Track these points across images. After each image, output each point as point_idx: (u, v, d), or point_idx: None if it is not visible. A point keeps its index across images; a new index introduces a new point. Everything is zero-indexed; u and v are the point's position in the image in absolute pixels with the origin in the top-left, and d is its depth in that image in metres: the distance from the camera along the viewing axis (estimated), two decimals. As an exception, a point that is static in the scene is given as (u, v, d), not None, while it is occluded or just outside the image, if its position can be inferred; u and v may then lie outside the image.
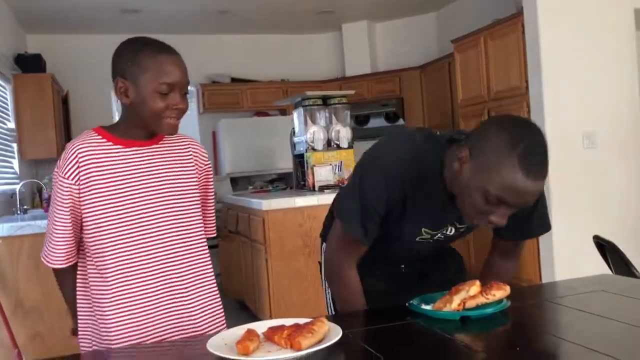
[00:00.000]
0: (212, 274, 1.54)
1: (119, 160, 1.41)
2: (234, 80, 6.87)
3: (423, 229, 1.48)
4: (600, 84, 3.98)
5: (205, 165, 1.58)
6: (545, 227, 1.52)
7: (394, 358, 1.08)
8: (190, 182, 1.51)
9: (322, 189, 3.99)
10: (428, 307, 1.37)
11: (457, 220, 1.48)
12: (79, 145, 1.39)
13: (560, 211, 3.88)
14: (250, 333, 1.18)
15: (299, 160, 4.41)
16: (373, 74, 6.89)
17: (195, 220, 1.50)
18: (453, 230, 1.52)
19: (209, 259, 1.52)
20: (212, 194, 1.63)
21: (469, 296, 1.34)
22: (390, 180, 1.38)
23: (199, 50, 6.82)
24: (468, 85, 4.85)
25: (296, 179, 4.62)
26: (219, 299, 1.55)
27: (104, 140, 1.42)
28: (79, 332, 1.48)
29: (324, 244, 1.73)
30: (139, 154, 1.44)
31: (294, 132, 4.45)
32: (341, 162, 4.18)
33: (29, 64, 5.34)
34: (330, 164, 4.15)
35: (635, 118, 4.07)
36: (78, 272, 1.48)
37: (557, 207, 3.87)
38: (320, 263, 1.79)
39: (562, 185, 3.89)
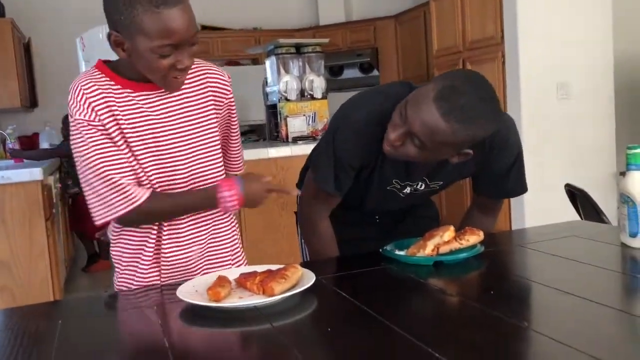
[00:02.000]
0: (231, 218, 1.47)
1: (127, 107, 1.26)
2: (204, 27, 6.65)
3: (393, 180, 1.48)
4: (574, 35, 3.96)
5: (227, 97, 1.39)
6: (522, 188, 1.53)
7: (367, 303, 1.07)
8: (206, 123, 1.35)
9: (296, 140, 3.94)
10: (402, 253, 1.36)
11: (426, 176, 1.48)
12: (83, 83, 1.24)
13: (533, 161, 3.91)
14: (222, 279, 1.16)
15: (272, 111, 4.33)
16: (347, 22, 6.75)
17: (214, 165, 1.37)
18: (423, 185, 1.51)
19: None
20: (236, 126, 1.47)
21: (442, 242, 1.33)
22: (362, 137, 1.37)
23: (168, -4, 6.58)
24: (443, 35, 4.78)
25: (269, 130, 4.55)
26: (237, 239, 1.49)
27: (112, 82, 1.26)
28: (118, 274, 1.40)
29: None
30: (149, 98, 1.28)
31: (267, 82, 4.36)
32: (315, 113, 4.12)
33: (-14, 9, 5.08)
34: (304, 115, 4.09)
35: (608, 68, 4.08)
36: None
37: (530, 157, 3.89)
38: (296, 213, 1.77)
39: (535, 136, 3.91)
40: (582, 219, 2.32)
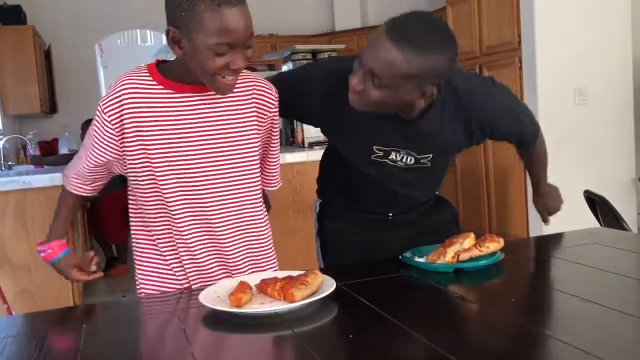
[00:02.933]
0: (266, 228, 1.48)
1: (166, 107, 1.28)
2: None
3: (374, 147, 1.45)
4: (592, 40, 3.94)
5: (271, 111, 1.39)
6: (536, 130, 1.64)
7: (388, 310, 1.08)
8: (246, 134, 1.34)
9: (312, 145, 3.96)
10: (422, 260, 1.37)
11: (411, 148, 1.45)
12: (126, 82, 1.27)
13: (551, 166, 3.88)
14: (243, 285, 1.17)
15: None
16: (363, 28, 6.77)
17: (250, 176, 1.37)
18: (413, 160, 1.47)
19: (262, 216, 1.44)
20: (276, 142, 1.46)
21: (462, 249, 1.33)
22: (327, 80, 1.41)
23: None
24: (460, 40, 4.70)
25: (285, 136, 4.57)
26: (273, 256, 1.53)
27: (154, 82, 1.28)
28: (139, 276, 1.43)
29: (318, 201, 1.74)
30: (190, 102, 1.29)
31: (283, 88, 4.38)
32: (331, 118, 4.14)
33: (9, 16, 5.17)
34: (320, 120, 4.10)
35: (627, 73, 4.05)
36: (136, 214, 1.41)
37: (549, 162, 3.87)
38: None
39: (553, 141, 3.86)
40: (601, 225, 2.30)
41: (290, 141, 4.41)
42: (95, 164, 1.34)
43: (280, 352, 1.01)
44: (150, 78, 1.29)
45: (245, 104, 1.35)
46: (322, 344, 0.98)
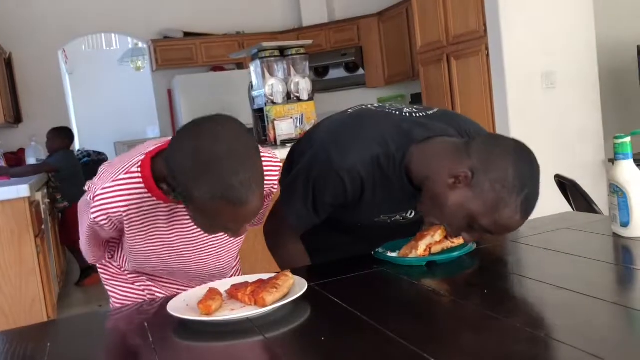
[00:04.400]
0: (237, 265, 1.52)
1: (160, 215, 1.23)
2: (186, 34, 6.63)
3: (381, 215, 1.42)
4: (556, 24, 3.97)
5: (275, 187, 1.35)
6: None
7: (361, 308, 1.06)
8: None
9: (284, 143, 3.93)
10: (394, 255, 1.35)
11: (412, 203, 1.39)
12: (116, 198, 1.17)
13: (521, 153, 3.92)
14: (212, 292, 1.14)
15: (259, 114, 4.31)
16: (330, 23, 6.74)
17: (238, 246, 1.44)
18: (413, 213, 1.44)
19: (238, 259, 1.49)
20: (271, 197, 1.41)
21: (434, 241, 1.32)
22: (347, 182, 1.28)
23: (149, 2, 6.53)
24: (426, 31, 4.78)
25: (257, 134, 4.53)
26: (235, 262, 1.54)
27: (151, 197, 1.20)
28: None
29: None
30: (182, 213, 1.26)
31: (252, 86, 4.33)
32: (302, 115, 4.10)
33: (-35, 25, 5.01)
34: (291, 117, 4.07)
35: (592, 56, 4.10)
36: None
37: (518, 149, 3.91)
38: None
39: (523, 127, 3.91)
40: (573, 209, 2.32)
41: (262, 140, 4.38)
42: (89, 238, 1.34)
43: (251, 359, 0.98)
44: (146, 193, 1.19)
45: None
46: (294, 349, 0.96)
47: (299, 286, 1.14)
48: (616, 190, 1.30)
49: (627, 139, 1.29)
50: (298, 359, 0.90)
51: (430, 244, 1.31)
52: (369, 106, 1.43)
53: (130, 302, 1.39)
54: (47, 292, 3.17)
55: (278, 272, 1.17)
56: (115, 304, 1.44)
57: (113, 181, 1.18)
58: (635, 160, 1.31)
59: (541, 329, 0.90)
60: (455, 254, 1.30)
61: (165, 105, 6.89)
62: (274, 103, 4.02)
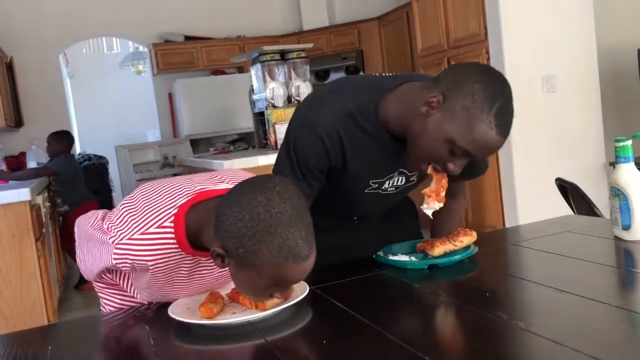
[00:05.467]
0: None
1: (187, 268, 1.17)
2: (187, 38, 6.64)
3: (370, 180, 1.40)
4: (557, 28, 3.98)
5: None
6: (486, 165, 1.53)
7: (362, 311, 1.06)
8: None
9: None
10: (395, 258, 1.35)
11: (404, 166, 1.40)
12: (142, 256, 1.11)
13: (523, 156, 3.92)
14: (213, 295, 1.14)
15: (260, 118, 4.32)
16: (331, 26, 6.75)
17: None
18: (403, 180, 1.43)
19: None
20: None
21: (455, 248, 1.32)
22: (324, 138, 1.29)
23: (149, 6, 6.55)
24: (427, 35, 4.78)
25: (258, 138, 4.53)
26: None
27: (181, 252, 1.13)
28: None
29: None
30: (205, 266, 1.20)
31: (253, 90, 4.34)
32: (302, 118, 4.11)
33: (-33, 29, 5.02)
34: (292, 121, 4.08)
35: (592, 60, 4.10)
36: None
37: (519, 152, 3.91)
38: None
39: (524, 130, 3.91)
40: (574, 212, 2.32)
41: (263, 143, 4.38)
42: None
43: (252, 363, 0.98)
44: (177, 248, 1.12)
45: None
46: (295, 352, 0.96)
47: (300, 289, 1.13)
48: (617, 194, 1.30)
49: (628, 142, 1.29)
50: (299, 363, 0.89)
51: (447, 249, 1.31)
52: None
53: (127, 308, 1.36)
54: (48, 296, 3.17)
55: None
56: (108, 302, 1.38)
57: (142, 234, 1.10)
58: (636, 164, 1.30)
59: (543, 332, 0.90)
60: (457, 257, 1.30)
61: (166, 109, 6.90)
62: (274, 106, 4.02)
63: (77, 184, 4.53)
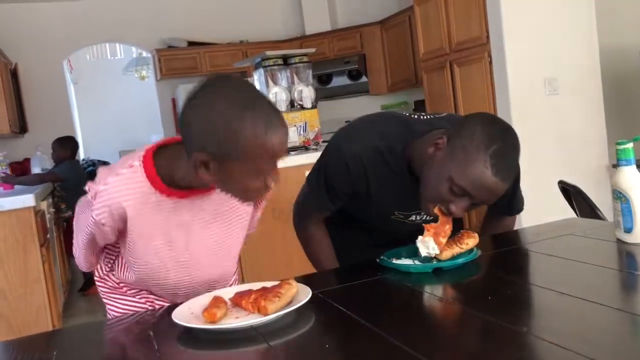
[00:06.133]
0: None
1: (165, 213, 1.21)
2: (190, 43, 6.66)
3: (395, 211, 1.49)
4: (559, 30, 3.98)
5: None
6: (521, 206, 1.62)
7: (365, 315, 1.06)
8: (245, 219, 1.37)
9: (288, 151, 3.93)
10: (399, 262, 1.35)
11: None
12: (118, 193, 1.17)
13: (525, 158, 3.91)
14: (217, 300, 1.14)
15: (263, 122, 4.32)
16: (333, 31, 6.77)
17: (237, 250, 1.43)
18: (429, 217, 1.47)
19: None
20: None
21: (462, 250, 1.33)
22: (352, 172, 1.40)
23: (152, 12, 6.57)
24: (429, 39, 4.79)
25: (261, 142, 4.54)
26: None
27: (155, 191, 1.18)
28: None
29: None
30: (193, 203, 1.24)
31: (256, 94, 4.35)
32: (306, 123, 4.12)
33: (-29, 37, 5.06)
34: (295, 125, 4.08)
35: (595, 62, 4.10)
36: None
37: (522, 155, 3.90)
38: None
39: (526, 133, 3.90)
40: (577, 215, 2.32)
41: (266, 148, 4.40)
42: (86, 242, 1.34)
43: (256, 367, 0.98)
44: (149, 185, 1.18)
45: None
46: (298, 357, 0.96)
47: (302, 294, 1.14)
48: (619, 196, 1.30)
49: (630, 145, 1.29)
50: (302, 367, 0.90)
51: (454, 253, 1.32)
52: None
53: (131, 313, 1.39)
54: (53, 301, 3.18)
55: (282, 281, 1.18)
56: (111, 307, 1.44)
57: (113, 176, 1.17)
58: (638, 166, 1.31)
59: (545, 335, 0.90)
60: (461, 260, 1.30)
61: (169, 114, 6.92)
62: (277, 111, 4.03)
63: (82, 190, 4.52)
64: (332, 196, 1.48)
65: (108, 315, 1.41)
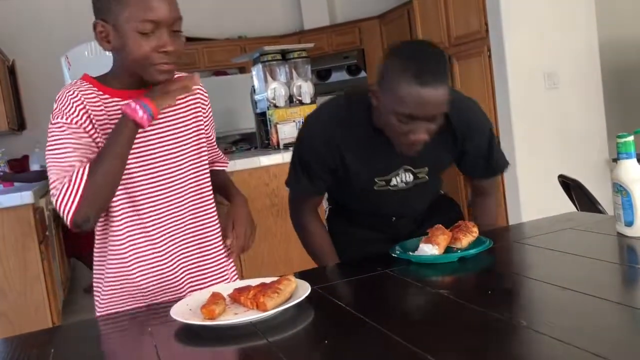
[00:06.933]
0: (217, 223, 1.42)
1: (115, 113, 1.25)
2: (189, 39, 6.61)
3: (375, 178, 1.52)
4: (558, 24, 3.96)
5: (208, 104, 1.43)
6: (505, 161, 1.62)
7: (364, 311, 1.06)
8: (198, 127, 1.37)
9: (287, 146, 3.92)
10: (417, 254, 1.33)
11: (408, 163, 1.51)
12: (80, 90, 1.25)
13: (525, 152, 3.91)
14: (216, 296, 1.14)
15: (262, 118, 4.32)
16: (332, 26, 6.75)
17: (205, 167, 1.39)
18: (411, 175, 1.53)
19: (214, 206, 1.42)
20: (213, 124, 1.49)
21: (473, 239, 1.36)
22: (320, 145, 1.48)
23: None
24: (428, 33, 4.77)
25: (260, 138, 4.54)
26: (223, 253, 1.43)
27: (100, 92, 1.26)
28: (95, 290, 1.38)
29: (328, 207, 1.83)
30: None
31: (255, 90, 4.34)
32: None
33: (-31, 34, 5.04)
34: (294, 121, 4.07)
35: (594, 55, 4.08)
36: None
37: (522, 149, 3.90)
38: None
39: (526, 127, 3.91)
40: (577, 209, 2.31)
41: (265, 144, 4.38)
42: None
43: (254, 363, 0.98)
44: (95, 88, 1.27)
45: (190, 100, 1.38)
46: (297, 352, 0.96)
47: (301, 290, 1.13)
48: (620, 190, 1.30)
49: (630, 138, 1.28)
50: (301, 363, 0.89)
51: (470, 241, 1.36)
52: None
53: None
54: (52, 299, 3.17)
55: (281, 276, 1.17)
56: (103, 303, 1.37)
57: (63, 92, 1.27)
58: (638, 160, 1.30)
59: (545, 329, 0.89)
60: (479, 248, 1.31)
61: (168, 110, 6.90)
62: (276, 107, 4.02)
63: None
64: (312, 176, 1.53)
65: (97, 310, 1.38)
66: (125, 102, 1.25)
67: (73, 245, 4.50)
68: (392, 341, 0.91)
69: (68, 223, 1.20)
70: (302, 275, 1.26)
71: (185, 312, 1.12)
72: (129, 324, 1.24)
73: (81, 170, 1.20)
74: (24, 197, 3.07)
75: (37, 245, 3.07)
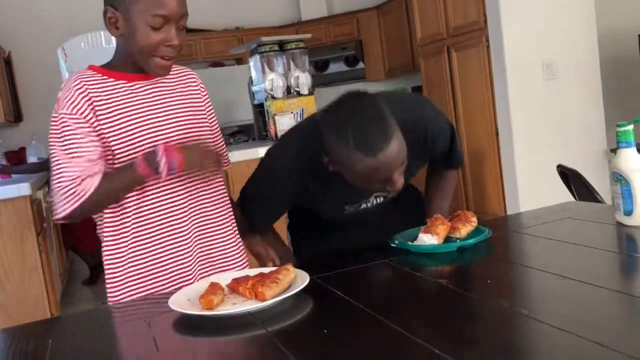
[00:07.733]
0: (230, 210, 1.46)
1: (125, 96, 1.30)
2: (187, 30, 6.58)
3: (345, 206, 1.52)
4: (557, 14, 3.95)
5: (206, 95, 1.47)
6: (461, 160, 1.64)
7: (363, 301, 1.05)
8: (201, 114, 1.41)
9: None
10: (417, 243, 1.33)
11: (379, 191, 1.49)
12: (83, 78, 1.28)
13: (524, 143, 3.91)
14: (214, 286, 1.13)
15: (259, 110, 4.31)
16: (329, 16, 6.72)
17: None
18: (382, 198, 1.54)
19: (226, 193, 1.45)
20: (217, 122, 1.50)
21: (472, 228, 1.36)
22: (288, 183, 1.44)
23: (147, 1, 6.51)
24: (426, 23, 4.75)
25: (258, 130, 4.53)
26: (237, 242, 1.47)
27: (105, 77, 1.30)
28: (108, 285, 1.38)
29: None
30: (145, 88, 1.33)
31: (252, 81, 4.33)
32: (302, 110, 4.10)
33: (-36, 25, 5.00)
34: (292, 112, 4.06)
35: (593, 45, 4.08)
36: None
37: (520, 139, 3.90)
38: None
39: (524, 118, 3.90)
40: (576, 199, 2.31)
41: (263, 135, 4.38)
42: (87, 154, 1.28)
43: (252, 353, 0.98)
44: (99, 74, 1.31)
45: (192, 87, 1.43)
46: (296, 342, 0.95)
47: (300, 280, 1.13)
48: (619, 179, 1.29)
49: (630, 127, 1.28)
50: (300, 353, 0.89)
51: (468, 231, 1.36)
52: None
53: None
54: (50, 290, 3.17)
55: (280, 266, 1.17)
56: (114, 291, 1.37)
57: (69, 81, 1.28)
58: (638, 149, 1.29)
59: (545, 318, 0.89)
60: (477, 238, 1.31)
61: (165, 101, 6.88)
62: (274, 98, 4.01)
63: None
64: (270, 211, 1.53)
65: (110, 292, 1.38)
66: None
67: (70, 237, 4.49)
68: (391, 331, 0.91)
69: (54, 215, 1.28)
70: (301, 266, 1.25)
71: (183, 302, 1.12)
72: (127, 314, 1.24)
73: (92, 183, 1.26)
74: (22, 188, 3.06)
75: (34, 237, 3.06)
